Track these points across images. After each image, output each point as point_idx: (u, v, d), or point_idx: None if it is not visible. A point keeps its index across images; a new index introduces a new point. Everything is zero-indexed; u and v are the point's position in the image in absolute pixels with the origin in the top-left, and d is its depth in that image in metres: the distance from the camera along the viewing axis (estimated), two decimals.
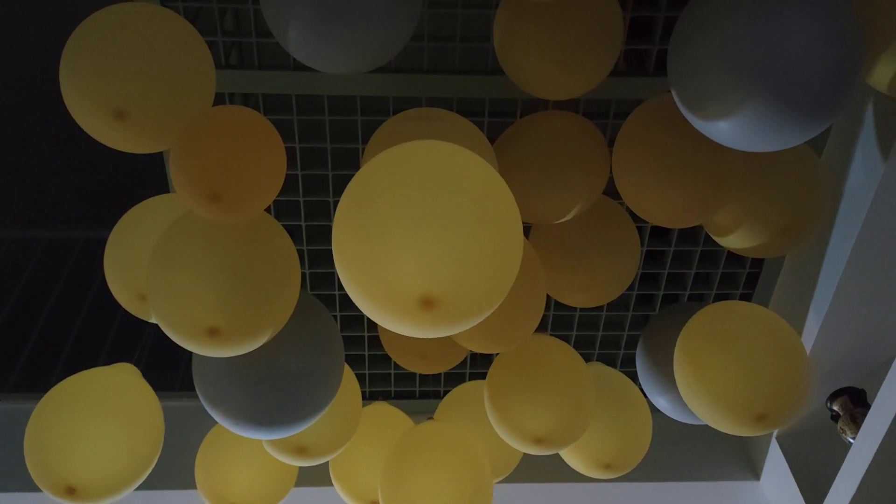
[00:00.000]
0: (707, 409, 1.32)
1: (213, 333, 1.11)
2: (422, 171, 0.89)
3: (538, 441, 1.34)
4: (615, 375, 1.54)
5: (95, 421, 1.27)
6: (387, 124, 1.20)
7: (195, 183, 1.06)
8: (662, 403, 1.50)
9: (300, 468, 1.57)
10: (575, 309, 1.72)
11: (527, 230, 1.45)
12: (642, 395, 1.52)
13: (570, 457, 1.49)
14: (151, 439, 1.33)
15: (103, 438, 1.27)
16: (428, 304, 0.85)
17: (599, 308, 1.72)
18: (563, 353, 1.42)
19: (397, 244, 0.86)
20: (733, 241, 1.36)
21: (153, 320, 1.30)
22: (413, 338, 1.47)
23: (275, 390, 1.23)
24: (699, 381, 1.32)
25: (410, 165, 0.90)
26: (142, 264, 1.23)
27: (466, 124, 1.19)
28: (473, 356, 1.80)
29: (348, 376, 1.47)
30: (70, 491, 1.24)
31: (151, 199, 1.33)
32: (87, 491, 1.25)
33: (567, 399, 1.37)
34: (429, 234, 0.85)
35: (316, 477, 1.66)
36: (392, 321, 0.89)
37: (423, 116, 1.17)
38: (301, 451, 1.39)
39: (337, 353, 1.32)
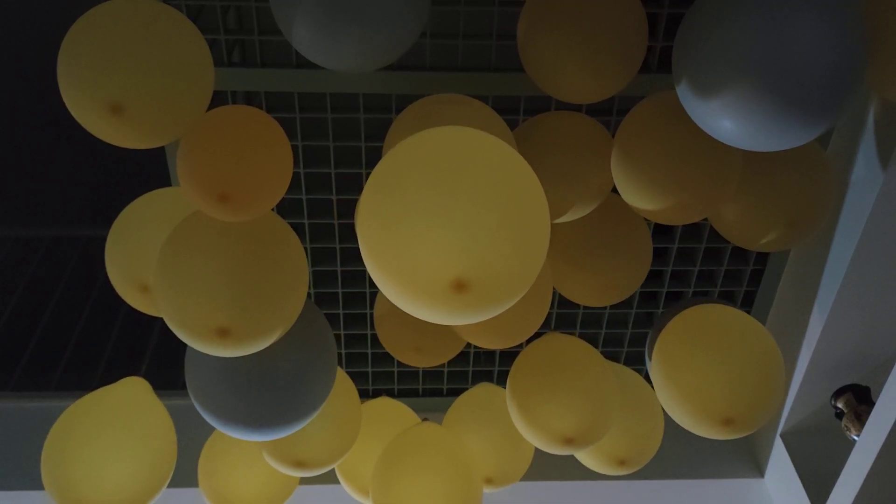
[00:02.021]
0: (676, 409, 1.32)
1: (223, 334, 1.10)
2: (451, 155, 0.88)
3: (569, 441, 1.34)
4: (625, 371, 1.54)
5: (110, 441, 1.28)
6: (408, 111, 1.19)
7: (203, 183, 1.06)
8: None
9: None
10: (578, 306, 1.71)
11: None
12: (652, 390, 1.52)
13: (584, 454, 1.49)
14: (166, 456, 1.34)
15: (119, 458, 1.28)
16: (460, 287, 0.84)
17: (603, 306, 1.72)
18: (582, 351, 1.42)
19: (428, 227, 0.84)
20: (739, 234, 1.36)
21: (156, 314, 1.30)
22: (409, 331, 1.47)
23: (266, 391, 1.23)
24: (670, 381, 1.32)
25: (439, 149, 0.89)
26: (143, 257, 1.23)
27: (490, 112, 1.18)
28: (476, 354, 1.79)
29: (347, 385, 1.46)
30: None
31: (152, 193, 1.33)
32: None
33: (593, 396, 1.36)
34: (461, 216, 0.84)
35: (316, 476, 1.66)
36: (421, 306, 0.88)
37: (447, 101, 1.17)
38: (299, 464, 1.39)
39: (330, 354, 1.31)
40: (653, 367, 1.37)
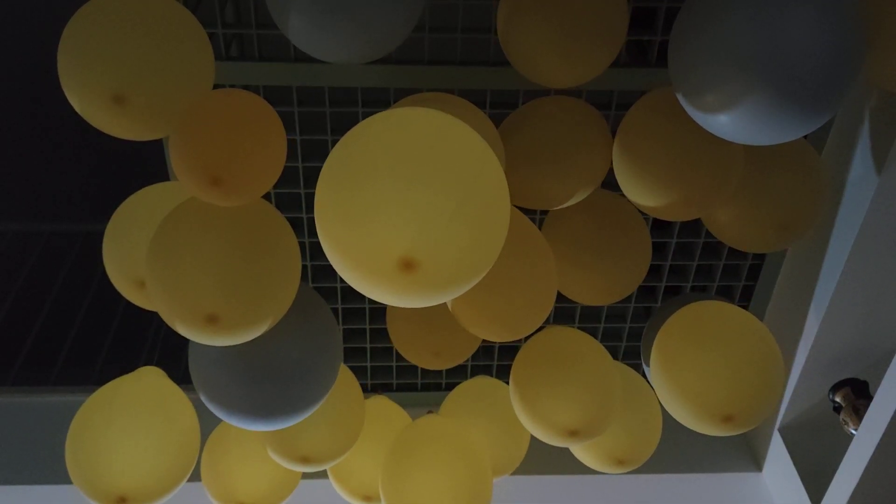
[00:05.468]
0: (676, 406, 1.32)
1: (212, 320, 1.10)
2: (417, 133, 0.87)
3: (573, 434, 1.34)
4: (625, 370, 1.53)
5: (135, 428, 1.29)
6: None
7: (195, 167, 1.06)
8: None
9: None
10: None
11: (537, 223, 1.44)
12: (651, 389, 1.52)
13: (583, 453, 1.49)
14: (191, 438, 1.35)
15: (146, 444, 1.29)
16: (408, 266, 0.83)
17: (602, 304, 1.72)
18: (585, 343, 1.41)
19: (383, 200, 0.83)
20: (732, 236, 1.36)
21: (152, 308, 1.30)
22: (426, 335, 1.47)
23: (271, 381, 1.23)
24: (670, 378, 1.32)
25: (406, 127, 0.88)
26: (140, 252, 1.23)
27: (477, 112, 1.18)
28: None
29: (350, 380, 1.46)
30: (121, 500, 1.26)
31: (150, 187, 1.33)
32: (138, 498, 1.27)
33: (596, 388, 1.37)
34: (418, 193, 0.83)
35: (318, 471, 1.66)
36: (370, 284, 0.87)
37: (431, 99, 1.17)
38: (304, 459, 1.40)
39: (334, 345, 1.31)
40: (652, 364, 1.37)
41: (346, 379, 1.44)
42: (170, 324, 1.14)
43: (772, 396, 1.29)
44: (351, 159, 0.87)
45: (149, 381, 1.37)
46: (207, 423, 1.50)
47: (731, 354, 1.28)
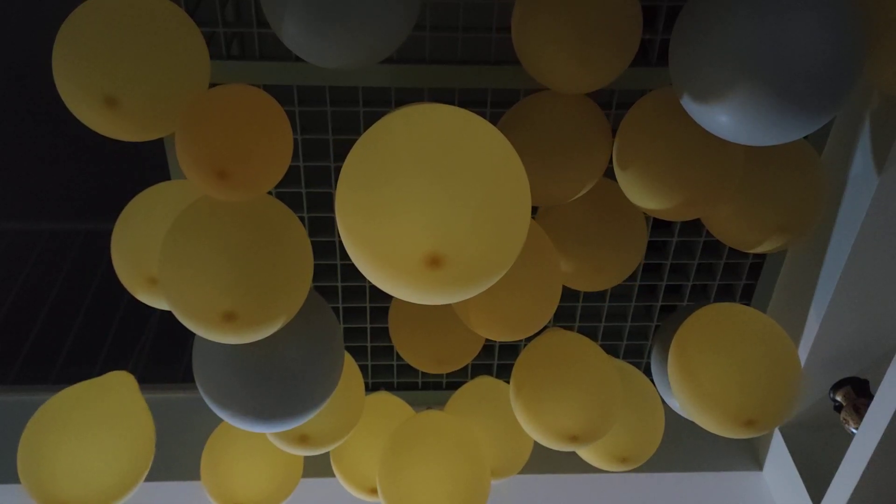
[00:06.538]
0: (697, 410, 1.33)
1: (229, 318, 1.10)
2: (440, 129, 0.87)
3: (574, 438, 1.34)
4: (626, 368, 1.54)
5: (88, 438, 1.29)
6: None
7: (201, 161, 1.05)
8: (677, 405, 1.50)
9: (304, 462, 1.57)
10: (577, 300, 1.72)
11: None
12: (653, 386, 1.52)
13: (586, 451, 1.49)
14: (141, 454, 1.35)
15: (96, 456, 1.29)
16: (435, 262, 0.82)
17: (602, 299, 1.72)
18: (585, 347, 1.41)
19: (408, 196, 0.83)
20: (732, 237, 1.36)
21: (161, 306, 1.29)
22: (429, 343, 1.47)
23: (274, 384, 1.23)
24: (691, 383, 1.32)
25: (429, 123, 0.87)
26: (149, 249, 1.23)
27: None
28: None
29: (351, 367, 1.47)
30: None
31: (159, 185, 1.33)
32: None
33: (597, 393, 1.37)
34: (443, 189, 0.83)
35: (317, 468, 1.66)
36: (394, 282, 0.87)
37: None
38: (303, 440, 1.40)
39: (337, 346, 1.32)
40: (670, 369, 1.37)
41: (346, 364, 1.44)
42: (185, 323, 1.14)
43: (791, 398, 1.30)
44: (374, 156, 0.87)
45: (112, 388, 1.37)
46: (207, 423, 1.50)
47: (749, 357, 1.29)
